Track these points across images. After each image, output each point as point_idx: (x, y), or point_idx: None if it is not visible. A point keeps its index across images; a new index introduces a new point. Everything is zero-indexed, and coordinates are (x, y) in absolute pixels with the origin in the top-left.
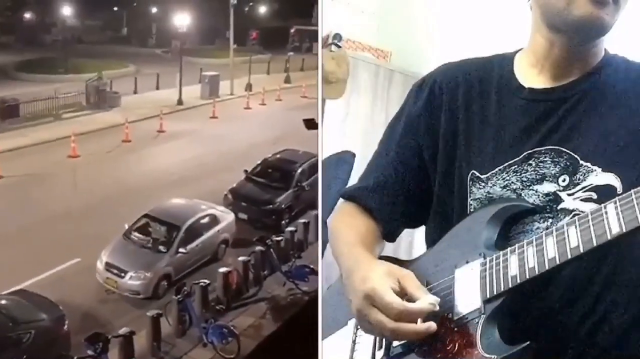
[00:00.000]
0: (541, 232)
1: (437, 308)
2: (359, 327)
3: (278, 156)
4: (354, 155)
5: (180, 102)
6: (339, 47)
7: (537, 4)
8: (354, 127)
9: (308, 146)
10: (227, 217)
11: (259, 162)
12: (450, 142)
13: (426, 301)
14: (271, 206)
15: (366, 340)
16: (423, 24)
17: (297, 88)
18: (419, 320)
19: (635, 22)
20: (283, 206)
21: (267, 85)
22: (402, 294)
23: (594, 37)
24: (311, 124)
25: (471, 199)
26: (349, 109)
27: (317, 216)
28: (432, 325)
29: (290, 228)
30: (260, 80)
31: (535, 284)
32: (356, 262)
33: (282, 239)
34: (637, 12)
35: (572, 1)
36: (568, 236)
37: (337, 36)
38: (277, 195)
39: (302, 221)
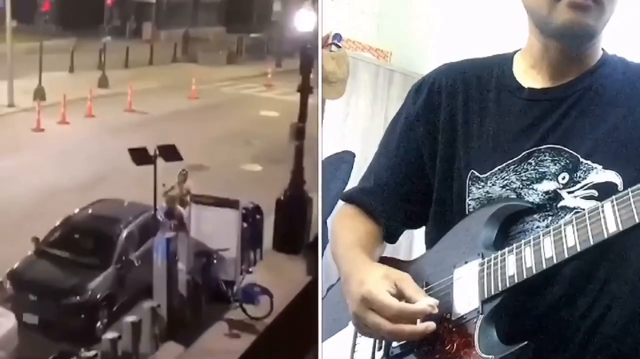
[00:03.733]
0: (541, 231)
1: (436, 310)
2: None
3: (90, 211)
4: (354, 155)
5: None
6: (339, 47)
7: (526, 10)
8: (354, 127)
9: (138, 192)
10: (3, 323)
11: (58, 223)
12: (449, 142)
13: (425, 302)
14: (78, 298)
15: (366, 340)
16: (423, 24)
17: (120, 96)
18: (418, 321)
19: (634, 23)
20: (98, 295)
21: (71, 90)
22: (400, 297)
23: (581, 42)
24: (143, 157)
25: (470, 199)
26: (349, 109)
27: (152, 309)
28: (430, 325)
29: (110, 335)
30: (58, 82)
31: (535, 283)
32: (353, 265)
33: (96, 355)
34: (637, 13)
35: (553, 9)
36: (565, 235)
37: (337, 36)
38: (89, 278)
39: (130, 319)
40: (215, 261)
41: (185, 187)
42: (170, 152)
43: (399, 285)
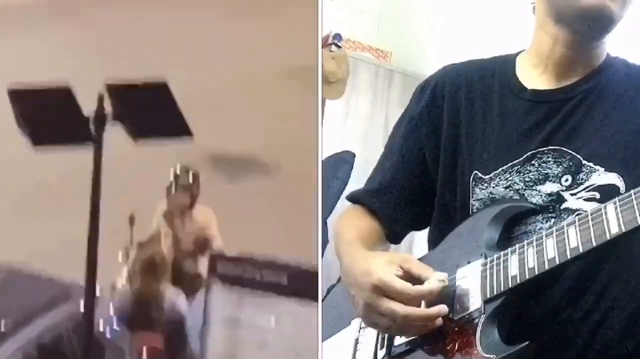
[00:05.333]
0: (543, 232)
1: (447, 282)
2: (361, 326)
3: None
4: (354, 155)
5: None
6: (339, 47)
7: None
8: (354, 127)
9: (35, 239)
10: None
11: None
12: (452, 143)
13: (435, 279)
14: None
15: (368, 340)
16: (423, 24)
17: None
18: (423, 304)
19: (634, 24)
20: None
21: None
22: (407, 277)
23: (600, 28)
24: (60, 119)
25: (473, 200)
26: (349, 109)
27: None
28: (443, 308)
29: None
30: None
31: (537, 284)
32: (354, 257)
33: None
34: (637, 13)
35: None
36: (568, 236)
37: (337, 36)
38: None
39: None
40: None
41: (196, 226)
42: (150, 110)
43: (404, 266)
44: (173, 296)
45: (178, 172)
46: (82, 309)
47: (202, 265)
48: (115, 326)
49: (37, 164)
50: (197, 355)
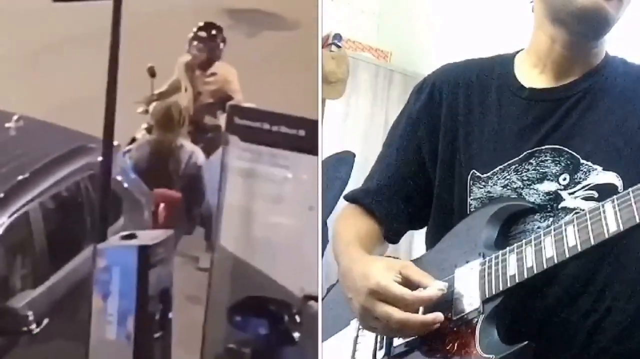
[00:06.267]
0: (541, 231)
1: (445, 291)
2: (360, 326)
3: None
4: (354, 155)
5: None
6: (339, 47)
7: None
8: (354, 127)
9: (51, 89)
10: None
11: None
12: (450, 142)
13: (434, 287)
14: None
15: (368, 340)
16: (423, 24)
17: None
18: (421, 310)
19: (633, 24)
20: None
21: None
22: (406, 284)
23: (596, 29)
24: None
25: (471, 199)
26: (349, 109)
27: None
28: (439, 315)
29: None
30: None
31: (536, 283)
32: (353, 260)
33: None
34: (637, 13)
35: None
36: (566, 235)
37: (337, 36)
38: None
39: None
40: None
41: (217, 81)
42: None
43: (403, 272)
44: (191, 148)
45: (202, 25)
46: (96, 159)
47: (221, 120)
48: (132, 175)
49: (58, 17)
50: (213, 207)
